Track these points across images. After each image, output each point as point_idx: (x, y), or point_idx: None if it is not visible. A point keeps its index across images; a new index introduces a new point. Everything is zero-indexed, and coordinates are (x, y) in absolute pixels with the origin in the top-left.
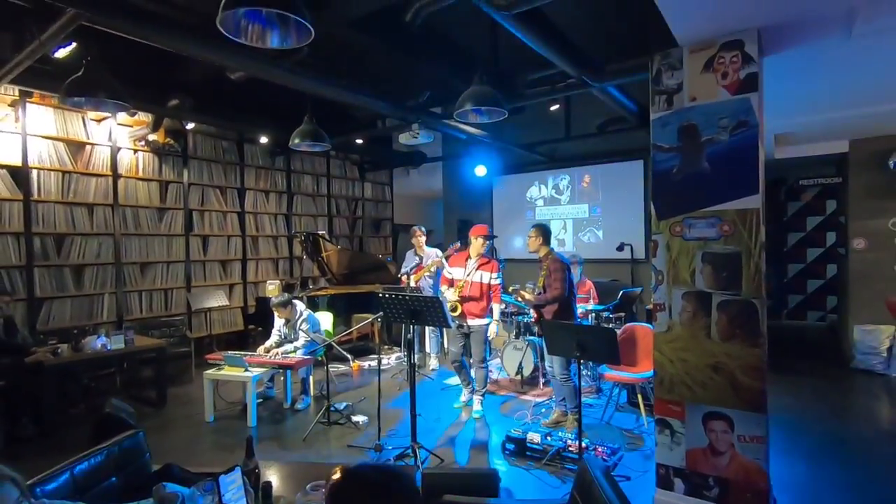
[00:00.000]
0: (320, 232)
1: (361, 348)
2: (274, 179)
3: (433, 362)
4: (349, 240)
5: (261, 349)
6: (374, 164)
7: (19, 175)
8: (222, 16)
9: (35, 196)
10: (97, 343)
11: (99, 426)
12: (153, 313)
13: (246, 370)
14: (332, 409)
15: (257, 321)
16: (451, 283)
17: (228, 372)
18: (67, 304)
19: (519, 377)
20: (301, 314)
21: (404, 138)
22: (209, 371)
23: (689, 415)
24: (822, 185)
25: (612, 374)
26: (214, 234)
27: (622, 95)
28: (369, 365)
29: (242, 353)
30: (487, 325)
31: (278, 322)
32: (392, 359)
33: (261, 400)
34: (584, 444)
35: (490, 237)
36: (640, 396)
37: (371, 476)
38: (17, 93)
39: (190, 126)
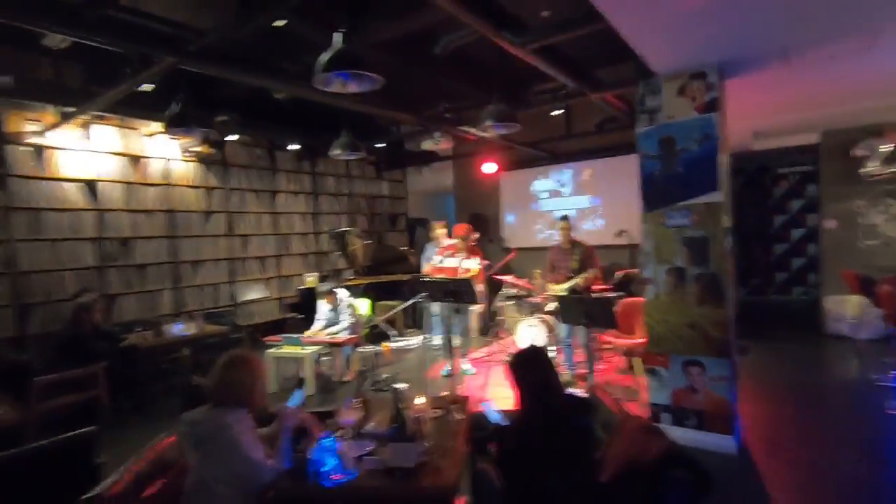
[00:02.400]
0: (349, 229)
1: (383, 333)
2: (301, 182)
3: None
4: (369, 234)
5: (308, 333)
6: (390, 164)
7: (91, 188)
8: (319, 77)
9: (104, 205)
10: (175, 329)
11: (189, 397)
12: (204, 306)
13: (302, 348)
14: (377, 379)
15: (298, 310)
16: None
17: (287, 350)
18: (133, 299)
19: None
20: (343, 300)
21: (427, 145)
22: (271, 350)
23: (672, 363)
24: (801, 172)
25: (612, 339)
26: (252, 233)
27: (616, 100)
28: (397, 346)
29: (297, 335)
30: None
31: (323, 308)
32: (416, 340)
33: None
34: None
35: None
36: (634, 360)
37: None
38: (89, 115)
39: (233, 138)
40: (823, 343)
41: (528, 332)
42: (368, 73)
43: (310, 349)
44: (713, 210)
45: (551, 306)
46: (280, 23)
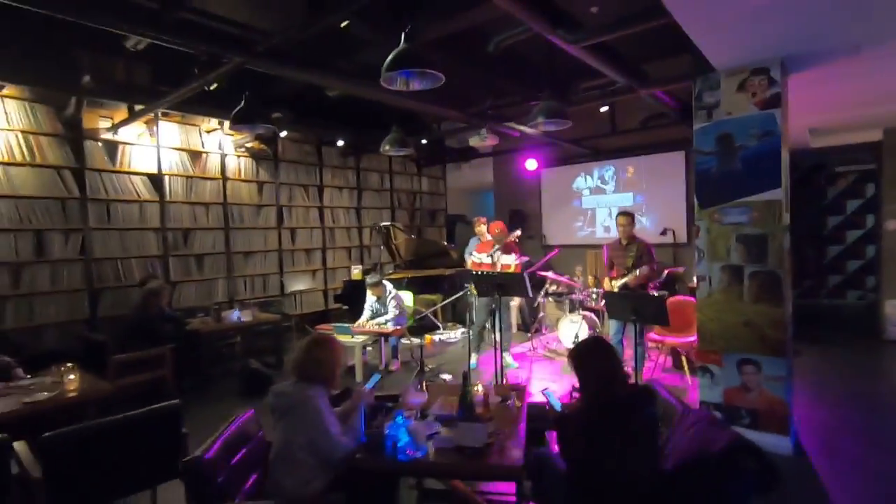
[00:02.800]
0: (394, 224)
1: (429, 325)
2: (346, 177)
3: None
4: (409, 229)
5: (357, 323)
6: (430, 160)
7: (156, 181)
8: (385, 76)
9: (167, 198)
10: (233, 316)
11: (247, 379)
12: (254, 295)
13: (353, 337)
14: (424, 369)
15: (344, 301)
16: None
17: (338, 339)
18: (192, 287)
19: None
20: (391, 292)
21: (474, 141)
22: None
23: (725, 361)
24: (859, 170)
25: (659, 337)
26: (300, 226)
27: (665, 96)
28: (439, 339)
29: (348, 324)
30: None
31: (370, 299)
32: (457, 333)
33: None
34: None
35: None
36: (684, 358)
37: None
38: (153, 113)
39: (283, 134)
40: (883, 349)
41: (571, 329)
42: (432, 71)
43: (359, 339)
44: (773, 207)
45: (594, 303)
46: (344, 24)
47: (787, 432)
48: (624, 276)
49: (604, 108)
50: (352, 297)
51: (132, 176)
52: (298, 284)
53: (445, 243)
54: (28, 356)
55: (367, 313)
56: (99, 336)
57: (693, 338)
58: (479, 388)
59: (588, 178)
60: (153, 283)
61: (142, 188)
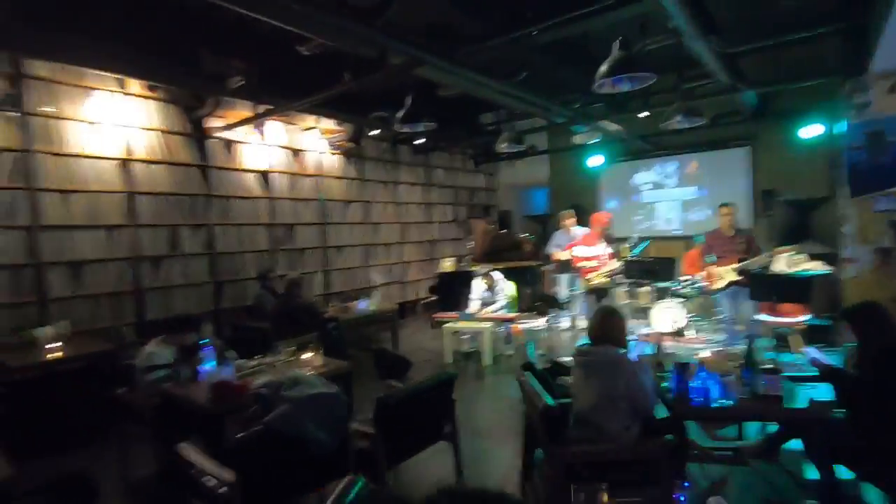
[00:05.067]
0: (480, 216)
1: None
2: (417, 173)
3: (581, 322)
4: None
5: (469, 311)
6: (487, 157)
7: (264, 178)
8: (598, 83)
9: (274, 194)
10: (361, 305)
11: (388, 363)
12: (346, 288)
13: (479, 324)
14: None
15: (435, 292)
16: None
17: (465, 325)
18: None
19: (671, 330)
20: (499, 281)
21: (580, 138)
22: (448, 324)
23: None
24: None
25: (772, 318)
26: (381, 221)
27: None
28: (524, 326)
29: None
30: None
31: (478, 289)
32: (542, 321)
33: (472, 350)
34: None
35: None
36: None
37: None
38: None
39: (374, 133)
40: None
41: (665, 314)
42: (644, 74)
43: (486, 324)
44: None
45: (687, 290)
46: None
47: None
48: (741, 261)
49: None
50: (442, 289)
51: (246, 173)
52: (380, 278)
53: (524, 235)
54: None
55: (476, 303)
56: (261, 323)
57: (800, 318)
58: None
59: (649, 173)
60: (293, 274)
61: (253, 185)
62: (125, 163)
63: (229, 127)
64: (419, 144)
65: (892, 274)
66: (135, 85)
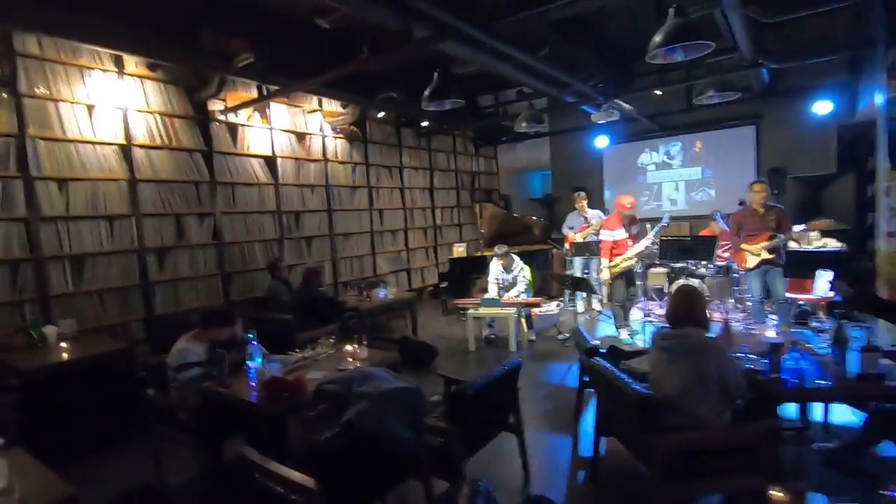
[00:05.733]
0: (491, 200)
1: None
2: (420, 157)
3: (596, 305)
4: (469, 209)
5: (488, 296)
6: (487, 140)
7: (270, 163)
8: (651, 53)
9: (281, 180)
10: (381, 293)
11: (415, 351)
12: (353, 276)
13: (502, 309)
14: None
15: (446, 278)
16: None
17: (488, 311)
18: (302, 270)
19: None
20: (517, 262)
21: (597, 117)
22: (471, 310)
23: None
24: None
25: (794, 295)
26: (386, 207)
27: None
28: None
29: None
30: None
31: (495, 271)
32: (553, 305)
33: (493, 336)
34: None
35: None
36: (820, 313)
37: None
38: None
39: (380, 115)
40: None
41: None
42: (702, 42)
43: (510, 310)
44: None
45: (703, 270)
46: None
47: None
48: (771, 238)
49: (658, 91)
50: (453, 275)
51: (251, 158)
52: (387, 265)
53: (534, 218)
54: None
55: (493, 286)
56: (284, 315)
57: (820, 296)
58: None
59: (654, 153)
60: (312, 263)
61: (259, 171)
62: (125, 148)
63: (233, 109)
64: (423, 128)
65: None
66: (133, 64)
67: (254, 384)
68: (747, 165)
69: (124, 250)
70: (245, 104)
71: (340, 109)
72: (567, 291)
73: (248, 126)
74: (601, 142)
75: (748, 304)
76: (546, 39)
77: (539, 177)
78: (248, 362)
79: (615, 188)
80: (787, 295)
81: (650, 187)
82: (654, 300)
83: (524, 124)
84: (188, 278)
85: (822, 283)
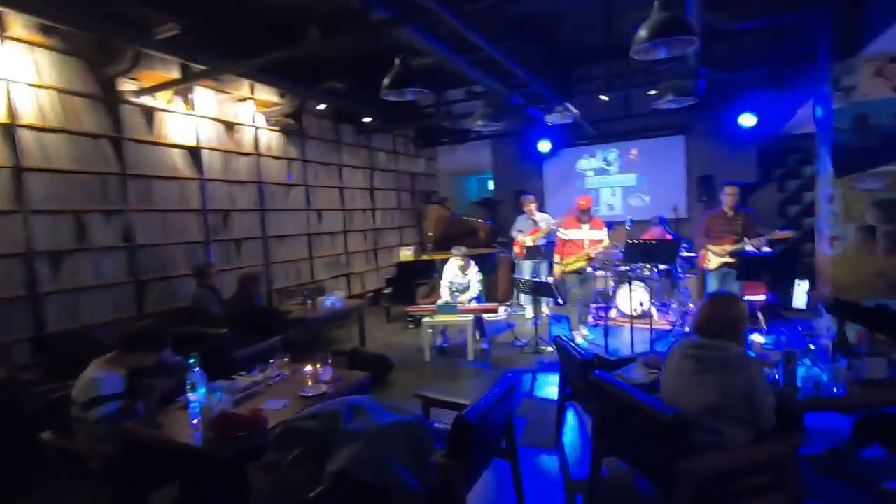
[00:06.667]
0: (440, 201)
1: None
2: (360, 156)
3: (545, 309)
4: (410, 212)
5: (440, 303)
6: (427, 141)
7: (194, 155)
8: (635, 48)
9: (206, 175)
10: (327, 302)
11: (370, 364)
12: (289, 282)
13: (457, 317)
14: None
15: (394, 284)
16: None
17: (445, 318)
18: (233, 276)
19: (636, 312)
20: (472, 264)
21: (552, 118)
22: (427, 318)
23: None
24: None
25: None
26: (325, 208)
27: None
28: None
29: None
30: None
31: (449, 274)
32: (501, 310)
33: (446, 345)
34: None
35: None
36: (760, 314)
37: None
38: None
39: (321, 107)
40: None
41: (630, 296)
42: (685, 37)
43: (466, 317)
44: None
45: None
46: None
47: None
48: (736, 242)
49: (605, 97)
50: (398, 280)
51: (171, 149)
52: (326, 270)
53: (480, 220)
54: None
55: (446, 290)
56: (217, 330)
57: (765, 296)
58: None
59: (592, 159)
60: (250, 270)
61: (180, 163)
62: (7, 128)
63: (150, 91)
64: (364, 124)
65: (875, 251)
66: (19, 25)
67: (196, 422)
68: (679, 173)
69: (5, 254)
70: (164, 85)
71: (275, 99)
72: (517, 296)
73: (167, 111)
74: (544, 146)
75: (690, 306)
76: (504, 36)
77: (475, 180)
78: (188, 394)
79: (555, 192)
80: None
81: (589, 192)
82: (599, 304)
83: (480, 122)
84: (91, 287)
85: (801, 293)
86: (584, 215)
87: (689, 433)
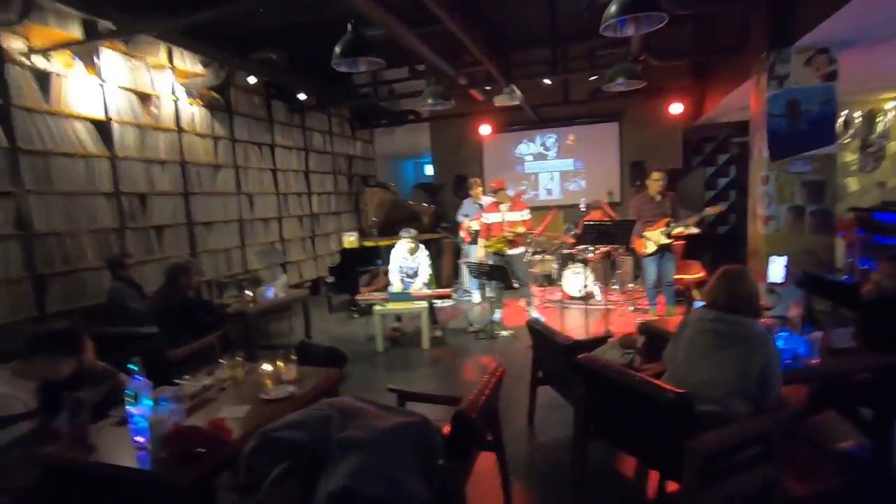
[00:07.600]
0: (381, 184)
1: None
2: (293, 136)
3: (476, 297)
4: (348, 196)
5: (392, 289)
6: (363, 122)
7: (102, 129)
8: (604, 24)
9: (118, 152)
10: (268, 293)
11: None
12: (219, 273)
13: (413, 304)
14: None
15: (337, 272)
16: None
17: (397, 306)
18: (154, 267)
19: (580, 294)
20: (421, 248)
21: (500, 100)
22: (378, 307)
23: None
24: None
25: (685, 277)
26: (257, 192)
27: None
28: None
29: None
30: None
31: (397, 258)
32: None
33: (398, 334)
34: None
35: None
36: (695, 292)
37: None
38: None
39: (252, 80)
40: None
41: (575, 278)
42: (654, 14)
43: (420, 304)
44: (829, 159)
45: (590, 255)
46: None
47: None
48: (668, 224)
49: (548, 81)
50: (342, 268)
51: (72, 120)
52: (259, 260)
53: (425, 205)
54: None
55: (396, 276)
56: (148, 329)
57: (700, 275)
58: None
59: (531, 144)
60: (180, 260)
61: (86, 138)
62: None
63: (43, 51)
64: (297, 102)
65: (803, 229)
66: None
67: (141, 440)
68: (612, 159)
69: None
70: (61, 45)
71: (198, 69)
72: (462, 280)
73: (66, 76)
74: (485, 130)
75: (629, 286)
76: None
77: (412, 165)
78: (129, 407)
79: (495, 176)
80: (679, 276)
81: (528, 177)
82: (543, 286)
83: (430, 101)
84: None
85: (777, 268)
86: (498, 196)
87: (693, 410)
